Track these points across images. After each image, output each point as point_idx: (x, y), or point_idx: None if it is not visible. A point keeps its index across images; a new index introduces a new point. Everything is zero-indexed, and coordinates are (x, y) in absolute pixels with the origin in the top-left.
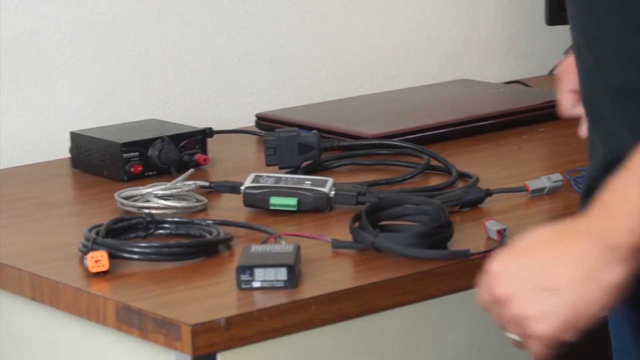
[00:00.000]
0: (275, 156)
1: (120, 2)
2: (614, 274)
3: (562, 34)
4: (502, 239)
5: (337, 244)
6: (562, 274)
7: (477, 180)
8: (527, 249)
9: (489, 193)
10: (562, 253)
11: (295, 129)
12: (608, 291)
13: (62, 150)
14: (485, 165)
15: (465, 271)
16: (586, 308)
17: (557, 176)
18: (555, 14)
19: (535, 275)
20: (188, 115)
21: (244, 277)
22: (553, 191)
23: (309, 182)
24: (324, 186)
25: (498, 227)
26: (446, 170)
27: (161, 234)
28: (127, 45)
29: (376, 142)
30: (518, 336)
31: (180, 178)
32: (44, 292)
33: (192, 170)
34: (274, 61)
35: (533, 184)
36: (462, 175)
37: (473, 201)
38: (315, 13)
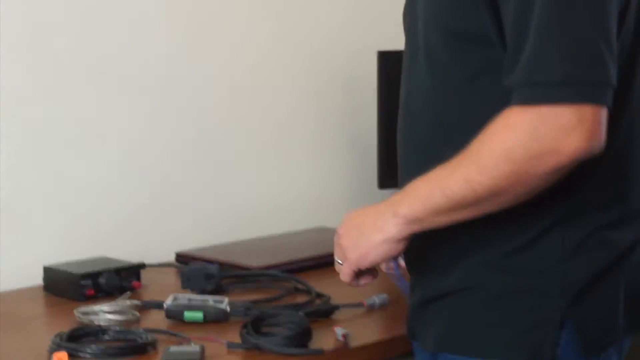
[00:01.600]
0: (188, 282)
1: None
2: (390, 228)
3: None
4: (346, 340)
5: (231, 345)
6: (367, 221)
7: (329, 298)
8: (361, 209)
9: (337, 307)
10: (372, 209)
11: (203, 263)
12: (386, 240)
13: (37, 277)
14: (336, 287)
15: None
16: (374, 247)
17: (384, 296)
18: (386, 179)
19: (355, 222)
20: (127, 250)
21: None
22: (383, 305)
23: (212, 301)
24: (222, 303)
25: (343, 332)
26: (308, 291)
27: (107, 339)
28: (84, 202)
29: (259, 272)
30: (341, 261)
31: (121, 298)
32: None
33: (129, 292)
34: (192, 208)
35: (368, 301)
36: (319, 295)
37: (326, 313)
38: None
